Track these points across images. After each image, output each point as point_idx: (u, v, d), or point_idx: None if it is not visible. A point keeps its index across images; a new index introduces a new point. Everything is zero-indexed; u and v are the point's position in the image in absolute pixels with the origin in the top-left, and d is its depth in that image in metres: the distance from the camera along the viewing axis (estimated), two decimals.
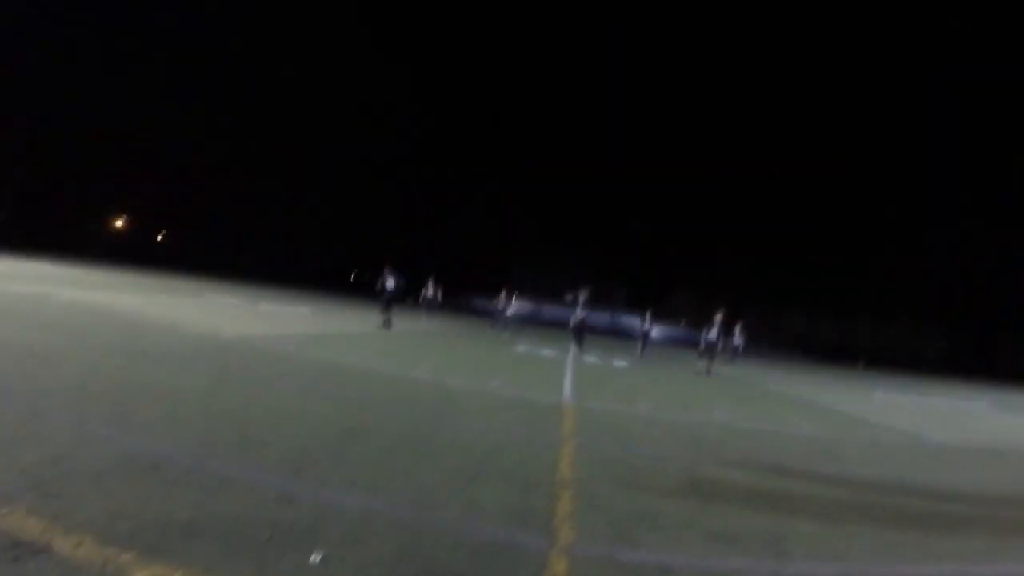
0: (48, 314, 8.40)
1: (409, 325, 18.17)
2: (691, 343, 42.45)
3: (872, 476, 4.97)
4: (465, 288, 51.95)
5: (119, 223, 56.76)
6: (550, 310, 51.44)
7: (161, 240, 61.62)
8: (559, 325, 35.43)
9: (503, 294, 23.75)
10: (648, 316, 18.71)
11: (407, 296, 23.50)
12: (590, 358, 15.18)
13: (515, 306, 23.52)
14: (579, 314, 16.78)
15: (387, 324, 15.08)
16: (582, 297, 16.80)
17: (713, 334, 15.02)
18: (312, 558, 2.14)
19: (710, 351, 15.15)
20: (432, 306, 23.49)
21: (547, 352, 15.19)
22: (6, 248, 30.62)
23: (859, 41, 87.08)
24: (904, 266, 65.02)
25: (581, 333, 16.98)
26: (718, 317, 15.06)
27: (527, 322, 43.84)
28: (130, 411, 3.91)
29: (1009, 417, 12.86)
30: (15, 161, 44.44)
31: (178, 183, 60.65)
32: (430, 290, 22.86)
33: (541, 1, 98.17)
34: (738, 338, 21.58)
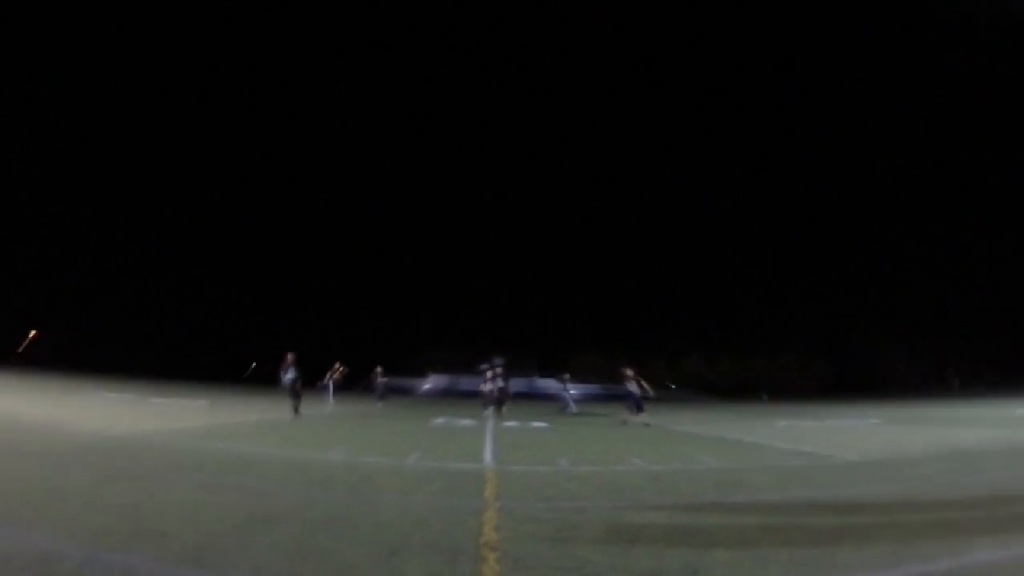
0: None
1: (316, 409, 17.34)
2: (604, 398, 43.77)
3: (780, 499, 5.22)
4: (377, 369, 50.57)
5: None
6: (467, 381, 51.07)
7: (32, 339, 55.76)
8: (476, 396, 35.26)
9: (378, 369, 24.79)
10: (567, 377, 19.30)
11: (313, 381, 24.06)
12: (509, 423, 15.08)
13: (383, 380, 24.70)
14: (496, 383, 16.79)
15: (296, 411, 14.39)
16: (497, 367, 16.91)
17: (631, 387, 15.82)
18: None
19: (634, 402, 15.87)
20: (337, 389, 23.87)
21: (465, 422, 14.96)
22: None
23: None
24: (789, 304, 70.65)
25: (500, 401, 16.97)
26: (628, 371, 15.93)
27: (446, 395, 43.31)
28: (12, 510, 3.62)
29: (899, 430, 13.93)
30: None
31: (50, 277, 56.04)
32: (335, 373, 23.45)
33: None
34: (636, 388, 22.36)
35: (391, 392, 31.02)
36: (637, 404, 15.87)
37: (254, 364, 66.05)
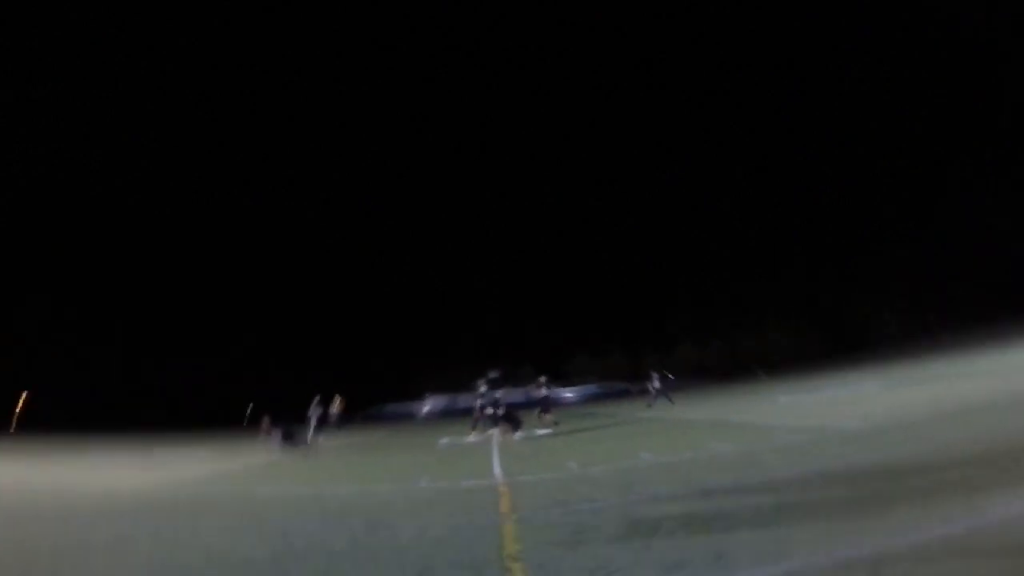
0: None
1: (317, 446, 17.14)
2: (605, 396, 44.21)
3: (793, 475, 5.25)
4: (372, 398, 50.29)
5: None
6: (466, 399, 50.88)
7: (25, 401, 54.67)
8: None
9: (337, 400, 24.20)
10: (543, 381, 18.43)
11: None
12: (513, 435, 15.01)
13: (335, 410, 24.01)
14: (496, 398, 15.91)
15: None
16: (492, 378, 16.08)
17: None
18: None
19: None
20: (328, 425, 23.50)
21: (470, 440, 14.88)
22: None
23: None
24: (768, 276, 71.00)
25: (507, 416, 16.23)
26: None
27: (446, 415, 43.28)
28: (51, 568, 3.77)
29: (899, 392, 14.04)
30: None
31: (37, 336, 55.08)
32: (316, 409, 23.26)
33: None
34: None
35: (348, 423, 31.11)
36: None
37: (251, 404, 64.99)
